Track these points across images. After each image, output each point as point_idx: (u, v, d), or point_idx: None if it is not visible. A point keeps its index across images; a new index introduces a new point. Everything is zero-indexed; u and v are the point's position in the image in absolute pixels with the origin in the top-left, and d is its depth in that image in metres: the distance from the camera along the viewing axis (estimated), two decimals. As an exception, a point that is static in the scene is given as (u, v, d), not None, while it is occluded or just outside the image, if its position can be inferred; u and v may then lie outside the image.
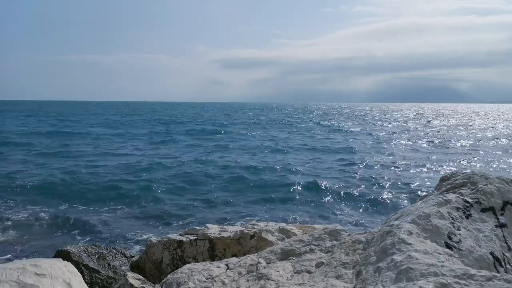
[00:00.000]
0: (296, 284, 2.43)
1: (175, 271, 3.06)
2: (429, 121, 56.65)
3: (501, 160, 19.94)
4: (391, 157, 20.84)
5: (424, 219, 2.70)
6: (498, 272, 2.48)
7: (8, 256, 7.59)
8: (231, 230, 4.23)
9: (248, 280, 2.63)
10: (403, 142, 28.44)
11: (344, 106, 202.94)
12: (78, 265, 4.80)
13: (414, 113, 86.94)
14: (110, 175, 15.38)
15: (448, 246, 2.51)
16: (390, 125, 47.73)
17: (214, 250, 4.05)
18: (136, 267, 4.26)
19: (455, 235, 2.62)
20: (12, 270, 2.42)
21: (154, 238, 4.35)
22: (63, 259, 3.05)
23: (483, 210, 2.92)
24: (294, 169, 17.02)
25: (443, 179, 3.65)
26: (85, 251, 5.35)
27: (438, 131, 38.51)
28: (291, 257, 2.88)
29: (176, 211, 10.76)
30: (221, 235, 4.11)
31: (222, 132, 35.97)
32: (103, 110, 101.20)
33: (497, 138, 31.07)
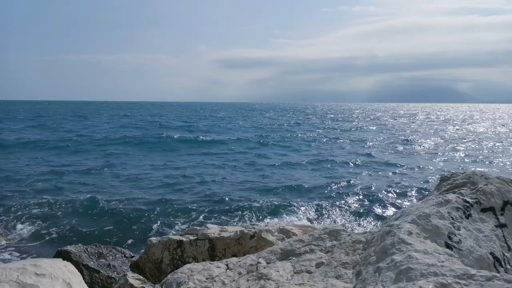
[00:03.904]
0: (296, 284, 2.42)
1: (175, 271, 3.06)
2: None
3: None
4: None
5: (424, 219, 2.70)
6: (498, 272, 2.48)
7: (8, 256, 7.59)
8: (231, 230, 4.22)
9: (248, 280, 2.63)
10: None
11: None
12: (78, 265, 4.80)
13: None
14: (111, 175, 15.40)
15: (448, 246, 2.51)
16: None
17: (214, 250, 4.05)
18: (136, 267, 4.25)
19: (455, 235, 2.62)
20: (12, 270, 2.42)
21: (154, 238, 4.34)
22: (63, 259, 3.05)
23: (483, 210, 2.92)
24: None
25: (443, 179, 3.65)
26: (85, 251, 5.35)
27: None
28: (291, 257, 2.88)
29: (177, 211, 10.76)
30: (221, 235, 4.11)
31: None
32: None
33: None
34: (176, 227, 9.53)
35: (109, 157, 20.16)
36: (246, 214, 10.48)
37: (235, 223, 9.59)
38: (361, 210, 10.99)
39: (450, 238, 2.58)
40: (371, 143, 27.72)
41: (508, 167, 18.19)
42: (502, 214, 2.93)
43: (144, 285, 3.27)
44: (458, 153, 22.83)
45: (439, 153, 22.62)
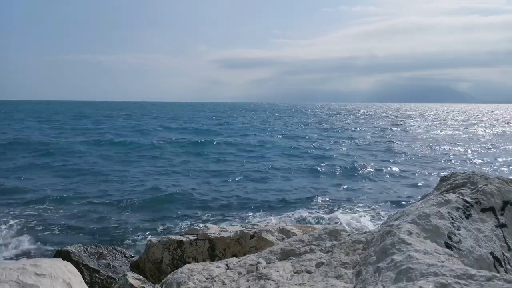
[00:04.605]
0: (296, 284, 2.42)
1: (175, 271, 3.06)
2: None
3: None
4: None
5: (424, 219, 2.70)
6: (498, 272, 2.48)
7: (8, 256, 7.59)
8: (231, 230, 4.22)
9: (248, 280, 2.63)
10: None
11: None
12: (78, 265, 4.80)
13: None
14: (110, 177, 15.39)
15: (448, 246, 2.51)
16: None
17: (214, 250, 4.05)
18: (136, 267, 4.25)
19: (455, 235, 2.62)
20: (12, 270, 2.42)
21: (154, 238, 4.34)
22: (63, 259, 3.05)
23: (483, 210, 2.92)
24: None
25: (443, 179, 3.65)
26: (85, 251, 5.35)
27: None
28: (291, 257, 2.88)
29: (177, 211, 10.76)
30: (221, 235, 4.11)
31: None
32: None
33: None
34: (176, 227, 9.53)
35: (108, 159, 20.16)
36: (246, 215, 10.48)
37: (235, 223, 9.59)
38: (361, 210, 10.99)
39: (450, 238, 2.58)
40: (374, 144, 27.72)
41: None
42: (502, 214, 2.93)
43: (144, 285, 3.27)
44: (461, 153, 22.83)
45: (439, 154, 22.63)
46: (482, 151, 23.80)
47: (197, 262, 3.59)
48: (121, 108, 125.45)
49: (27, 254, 7.68)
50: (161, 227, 9.50)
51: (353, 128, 42.49)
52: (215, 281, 2.74)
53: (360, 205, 11.50)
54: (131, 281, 3.30)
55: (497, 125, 48.85)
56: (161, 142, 27.04)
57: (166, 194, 12.52)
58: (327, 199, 12.16)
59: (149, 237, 4.50)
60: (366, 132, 38.08)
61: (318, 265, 2.64)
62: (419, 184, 14.45)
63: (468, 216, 2.82)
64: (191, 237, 4.19)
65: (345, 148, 24.97)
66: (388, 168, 17.47)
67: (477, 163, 19.42)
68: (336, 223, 9.71)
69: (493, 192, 3.02)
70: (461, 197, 3.02)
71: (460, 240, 2.59)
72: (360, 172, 16.68)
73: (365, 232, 2.88)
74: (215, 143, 26.84)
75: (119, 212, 10.59)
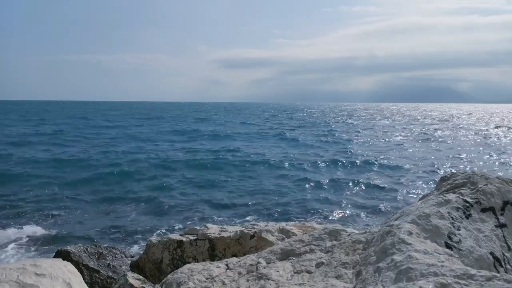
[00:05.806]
0: (296, 284, 2.42)
1: (175, 271, 3.06)
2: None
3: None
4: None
5: (424, 219, 2.70)
6: (498, 272, 2.48)
7: (8, 256, 7.59)
8: (231, 230, 4.22)
9: (248, 280, 2.63)
10: None
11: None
12: (78, 265, 4.80)
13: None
14: (112, 174, 15.39)
15: (448, 246, 2.51)
16: None
17: (214, 250, 4.05)
18: (136, 267, 4.25)
19: (455, 235, 2.62)
20: (12, 270, 2.42)
21: (154, 238, 4.34)
22: (63, 259, 3.05)
23: (483, 210, 2.92)
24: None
25: (443, 179, 3.65)
26: (85, 251, 5.35)
27: None
28: (291, 257, 2.88)
29: (177, 211, 10.76)
30: (221, 235, 4.10)
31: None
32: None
33: None
34: (176, 227, 9.53)
35: (108, 161, 20.17)
36: (246, 214, 10.48)
37: (235, 223, 9.59)
38: (362, 210, 10.98)
39: (450, 238, 2.58)
40: (376, 144, 27.73)
41: None
42: (502, 214, 2.93)
43: (144, 285, 3.27)
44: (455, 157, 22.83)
45: (437, 156, 22.64)
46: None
47: (197, 262, 3.59)
48: (121, 107, 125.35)
49: (27, 254, 7.68)
50: (161, 227, 9.50)
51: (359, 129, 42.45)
52: (215, 281, 2.74)
53: (360, 205, 11.50)
54: (131, 281, 3.30)
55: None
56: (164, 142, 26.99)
57: (166, 194, 12.52)
58: (328, 199, 12.16)
59: (149, 237, 4.50)
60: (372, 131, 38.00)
61: (318, 265, 2.63)
62: (412, 184, 14.44)
63: (468, 216, 2.82)
64: (191, 237, 4.18)
65: (350, 147, 24.98)
66: (392, 169, 17.47)
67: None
68: (336, 223, 9.71)
69: (493, 192, 3.02)
70: (461, 197, 3.02)
71: (460, 240, 2.59)
72: (360, 173, 16.68)
73: (365, 232, 2.88)
74: (216, 142, 26.85)
75: (119, 212, 10.59)
